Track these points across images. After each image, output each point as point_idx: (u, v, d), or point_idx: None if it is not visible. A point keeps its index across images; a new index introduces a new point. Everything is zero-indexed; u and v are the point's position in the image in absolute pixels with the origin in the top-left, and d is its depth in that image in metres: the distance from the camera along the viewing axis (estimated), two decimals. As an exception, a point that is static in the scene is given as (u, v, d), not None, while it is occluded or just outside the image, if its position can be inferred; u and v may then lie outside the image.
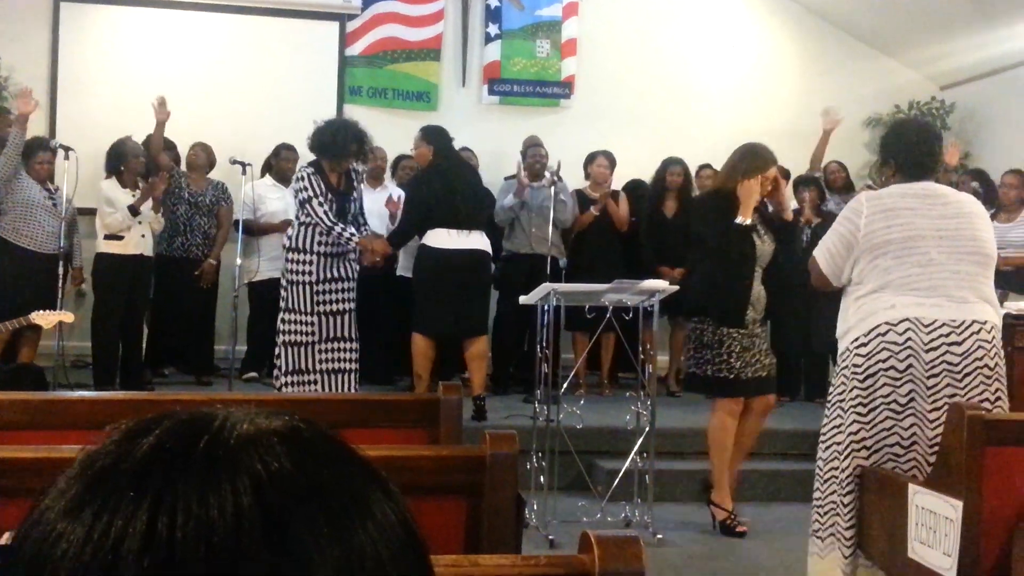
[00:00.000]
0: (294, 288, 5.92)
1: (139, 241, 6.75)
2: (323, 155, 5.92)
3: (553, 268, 6.83)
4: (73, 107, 8.06)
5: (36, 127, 6.70)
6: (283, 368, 5.94)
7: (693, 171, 7.93)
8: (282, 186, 7.61)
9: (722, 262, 4.97)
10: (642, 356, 5.28)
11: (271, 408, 0.63)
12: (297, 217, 6.02)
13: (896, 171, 3.83)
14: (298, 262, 5.92)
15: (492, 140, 8.19)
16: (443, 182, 6.28)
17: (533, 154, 7.46)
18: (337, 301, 5.97)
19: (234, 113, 8.15)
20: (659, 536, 4.95)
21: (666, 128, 8.65)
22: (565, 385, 5.47)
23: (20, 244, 6.47)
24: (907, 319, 3.58)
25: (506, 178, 7.60)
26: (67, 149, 6.50)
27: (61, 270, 6.50)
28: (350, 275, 6.05)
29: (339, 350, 6.00)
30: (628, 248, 7.52)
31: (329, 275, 5.94)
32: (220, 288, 7.48)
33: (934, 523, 3.27)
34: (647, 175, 7.93)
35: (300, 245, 5.91)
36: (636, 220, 7.61)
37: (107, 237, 6.71)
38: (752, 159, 5.02)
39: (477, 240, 6.34)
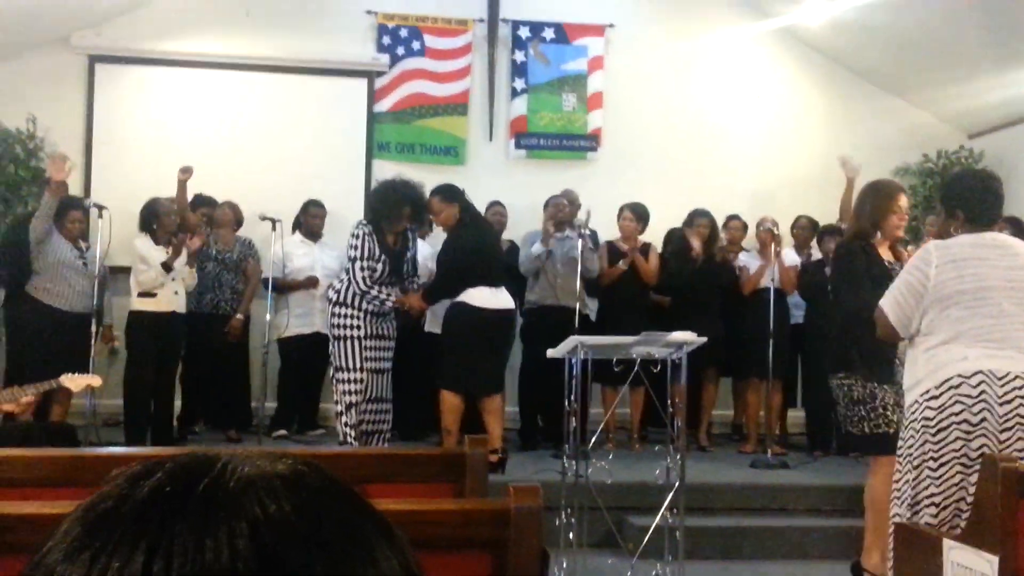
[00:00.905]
0: (342, 344, 5.95)
1: (172, 298, 6.82)
2: (377, 218, 5.99)
3: (582, 321, 6.81)
4: (108, 165, 8.20)
5: (71, 186, 6.79)
6: (346, 423, 5.97)
7: (720, 222, 7.93)
8: (310, 242, 7.68)
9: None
10: (671, 409, 5.23)
11: (280, 454, 0.62)
12: (347, 271, 6.06)
13: (965, 221, 3.79)
14: (345, 316, 5.96)
15: (519, 194, 8.23)
16: (476, 239, 6.30)
17: (555, 203, 7.48)
18: (381, 359, 6.02)
19: (264, 170, 8.26)
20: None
21: (693, 179, 8.67)
22: (593, 440, 5.43)
23: (52, 304, 6.53)
24: (980, 371, 3.52)
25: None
26: (100, 208, 6.59)
27: (93, 329, 6.56)
28: (391, 334, 6.11)
29: (378, 411, 6.03)
30: (657, 303, 7.51)
31: (375, 332, 5.98)
32: (251, 344, 7.53)
33: (968, 579, 3.20)
34: (676, 226, 7.93)
35: (347, 300, 5.96)
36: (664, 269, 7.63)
37: (141, 295, 6.78)
38: (883, 193, 4.70)
39: (507, 298, 6.37)
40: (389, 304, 5.96)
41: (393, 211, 5.89)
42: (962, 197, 3.84)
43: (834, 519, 5.87)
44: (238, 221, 7.62)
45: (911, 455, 3.64)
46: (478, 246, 6.24)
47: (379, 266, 5.84)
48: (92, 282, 6.62)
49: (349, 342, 5.92)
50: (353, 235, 5.96)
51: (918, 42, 8.31)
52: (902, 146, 9.04)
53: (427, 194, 6.21)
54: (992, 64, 8.03)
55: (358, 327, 5.92)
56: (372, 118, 8.73)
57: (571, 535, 5.00)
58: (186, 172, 6.87)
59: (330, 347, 6.07)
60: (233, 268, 7.43)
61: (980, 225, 3.75)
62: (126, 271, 6.99)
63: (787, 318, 7.50)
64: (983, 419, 3.50)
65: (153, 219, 6.87)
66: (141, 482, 0.56)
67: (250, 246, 7.57)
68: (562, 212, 7.38)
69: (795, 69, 9.21)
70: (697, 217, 7.60)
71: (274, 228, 7.02)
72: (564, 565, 4.89)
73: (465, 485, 3.09)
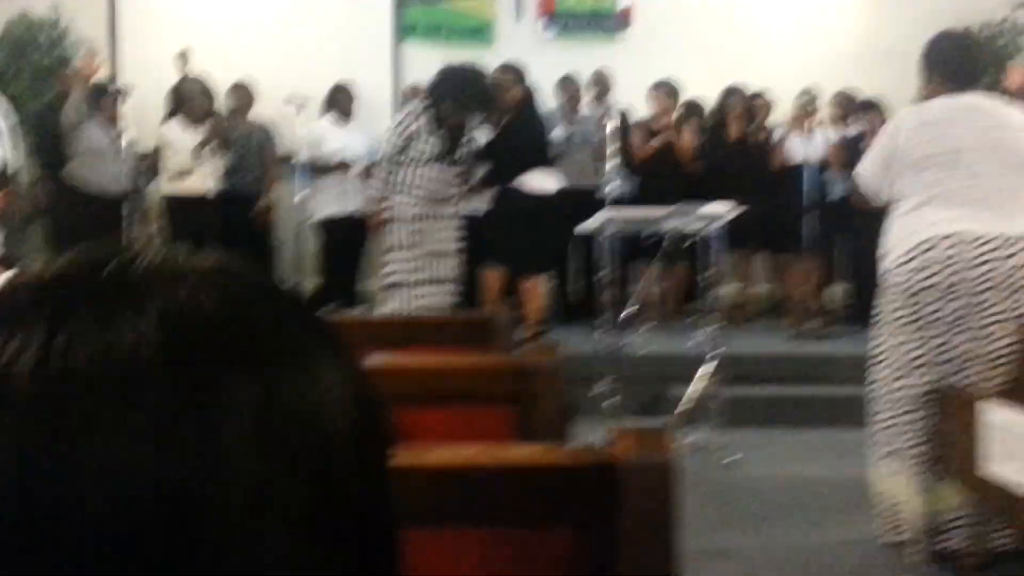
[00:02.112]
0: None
1: (203, 180, 6.85)
2: (441, 99, 5.41)
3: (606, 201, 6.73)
4: (133, 50, 8.13)
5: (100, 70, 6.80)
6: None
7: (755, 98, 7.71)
8: (341, 125, 7.60)
9: None
10: (707, 281, 5.18)
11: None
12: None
13: (942, 83, 3.65)
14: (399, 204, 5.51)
15: (549, 75, 8.03)
16: (539, 121, 6.24)
17: (567, 87, 7.41)
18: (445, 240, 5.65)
19: (289, 53, 8.14)
20: (733, 459, 4.88)
21: (727, 56, 8.37)
22: (629, 312, 5.41)
23: (86, 189, 6.59)
24: (952, 234, 3.44)
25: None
26: (126, 91, 6.59)
27: (126, 212, 6.63)
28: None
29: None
30: (692, 179, 7.38)
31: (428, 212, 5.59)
32: (278, 228, 7.55)
33: (1007, 438, 3.16)
34: (708, 105, 7.74)
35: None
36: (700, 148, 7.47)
37: (172, 178, 6.81)
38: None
39: (558, 181, 6.32)
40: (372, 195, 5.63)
41: (466, 98, 5.39)
42: (938, 59, 3.69)
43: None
44: (250, 103, 7.55)
45: (889, 321, 3.58)
46: (541, 129, 6.14)
47: (427, 147, 5.40)
48: (124, 166, 6.66)
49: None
50: (407, 112, 5.59)
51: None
52: (945, 16, 8.62)
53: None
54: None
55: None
56: (399, 1, 8.55)
57: (610, 404, 5.02)
58: (181, 58, 6.80)
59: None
60: (256, 152, 7.39)
61: (956, 87, 3.60)
62: (157, 154, 6.99)
63: (825, 192, 7.35)
64: (954, 282, 3.42)
65: (180, 102, 6.84)
66: (45, 270, 0.50)
67: (267, 130, 7.52)
68: (574, 93, 7.31)
69: (837, -66, 8.81)
70: (731, 94, 7.40)
71: (299, 112, 6.96)
72: (602, 434, 4.90)
73: (493, 349, 3.07)
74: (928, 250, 3.46)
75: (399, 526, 0.54)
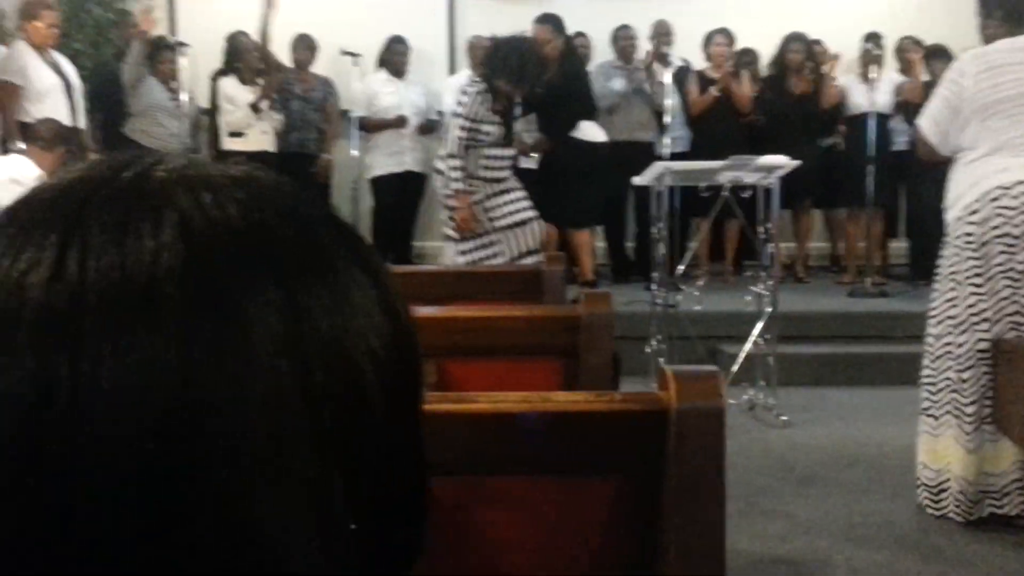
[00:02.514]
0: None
1: (261, 137, 6.89)
2: (497, 76, 5.07)
3: (671, 154, 6.66)
4: (192, 4, 8.15)
5: (158, 26, 6.83)
6: None
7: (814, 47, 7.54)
8: (396, 79, 7.58)
9: None
10: (763, 236, 5.10)
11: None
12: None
13: (1001, 22, 3.52)
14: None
15: (603, 22, 7.90)
16: (584, 71, 6.20)
17: (622, 35, 7.30)
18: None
19: (343, 5, 8.08)
20: (784, 418, 4.83)
21: (788, 4, 8.16)
22: (682, 268, 5.35)
23: (147, 145, 6.66)
24: (1022, 181, 3.33)
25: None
26: (184, 45, 6.62)
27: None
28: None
29: None
30: (752, 129, 7.25)
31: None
32: (336, 183, 7.57)
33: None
34: (769, 56, 7.57)
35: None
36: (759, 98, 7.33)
37: (231, 135, 6.86)
38: None
39: (602, 132, 6.29)
40: (459, 185, 5.07)
41: (518, 73, 5.05)
42: None
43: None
44: (313, 55, 7.52)
45: (955, 273, 3.48)
46: (585, 79, 6.08)
47: (492, 128, 5.09)
48: (185, 122, 6.72)
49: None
50: (464, 92, 5.19)
51: None
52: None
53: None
54: None
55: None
56: (454, -49, 8.46)
57: (662, 361, 5.00)
58: (272, 5, 6.76)
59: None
60: (319, 107, 7.40)
61: (1017, 26, 3.45)
62: (215, 111, 7.03)
63: (889, 144, 7.17)
64: None
65: (236, 58, 6.87)
66: (63, 178, 0.48)
67: (330, 85, 7.51)
68: (630, 45, 7.22)
69: None
70: (792, 42, 7.23)
71: (355, 63, 6.94)
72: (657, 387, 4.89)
73: (543, 302, 3.07)
74: (995, 199, 3.36)
75: (427, 472, 0.52)
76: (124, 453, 0.40)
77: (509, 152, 5.22)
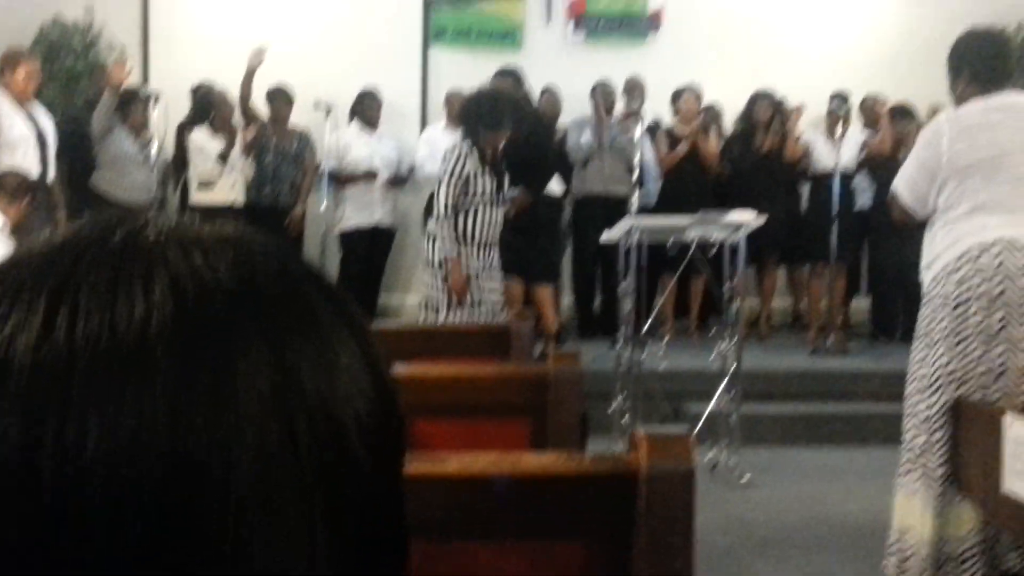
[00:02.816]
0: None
1: (230, 189, 6.87)
2: (477, 130, 5.06)
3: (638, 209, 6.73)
4: (165, 56, 8.16)
5: (130, 76, 6.83)
6: None
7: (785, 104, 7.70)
8: (368, 132, 7.60)
9: None
10: (728, 293, 5.15)
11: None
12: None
13: (970, 81, 3.60)
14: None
15: (579, 79, 8.03)
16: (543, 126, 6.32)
17: (604, 92, 7.39)
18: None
19: (317, 56, 8.14)
20: (745, 478, 4.85)
21: (756, 59, 8.33)
22: (647, 325, 5.39)
23: (114, 196, 6.62)
24: (999, 240, 3.39)
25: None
26: (156, 97, 6.62)
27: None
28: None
29: None
30: (719, 186, 7.36)
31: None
32: (307, 237, 7.56)
33: (1029, 455, 3.12)
34: (736, 112, 7.71)
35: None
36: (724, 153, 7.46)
37: (199, 186, 6.84)
38: None
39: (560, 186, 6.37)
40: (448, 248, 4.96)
41: (494, 119, 5.07)
42: (969, 57, 3.62)
43: (894, 404, 5.77)
44: (289, 109, 7.56)
45: (930, 332, 3.52)
46: (546, 133, 6.16)
47: (484, 183, 5.03)
48: (153, 174, 6.70)
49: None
50: (449, 152, 5.09)
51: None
52: (986, 16, 8.56)
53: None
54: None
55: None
56: (428, 4, 8.57)
57: (626, 419, 5.01)
58: (258, 56, 6.78)
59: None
60: (293, 160, 7.42)
61: (988, 85, 3.54)
62: (186, 162, 7.02)
63: (852, 201, 7.30)
64: (1003, 290, 3.36)
65: (209, 109, 6.88)
66: (50, 240, 0.48)
67: (307, 138, 7.54)
68: (609, 98, 7.32)
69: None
70: (759, 99, 7.36)
71: (328, 115, 6.97)
72: (620, 450, 4.89)
73: (511, 359, 3.07)
74: (975, 258, 3.42)
75: (408, 527, 0.52)
76: (112, 510, 0.41)
77: (500, 214, 5.13)
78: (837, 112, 7.10)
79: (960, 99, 3.65)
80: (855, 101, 7.66)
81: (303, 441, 0.45)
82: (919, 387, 3.54)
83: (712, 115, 7.62)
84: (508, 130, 5.12)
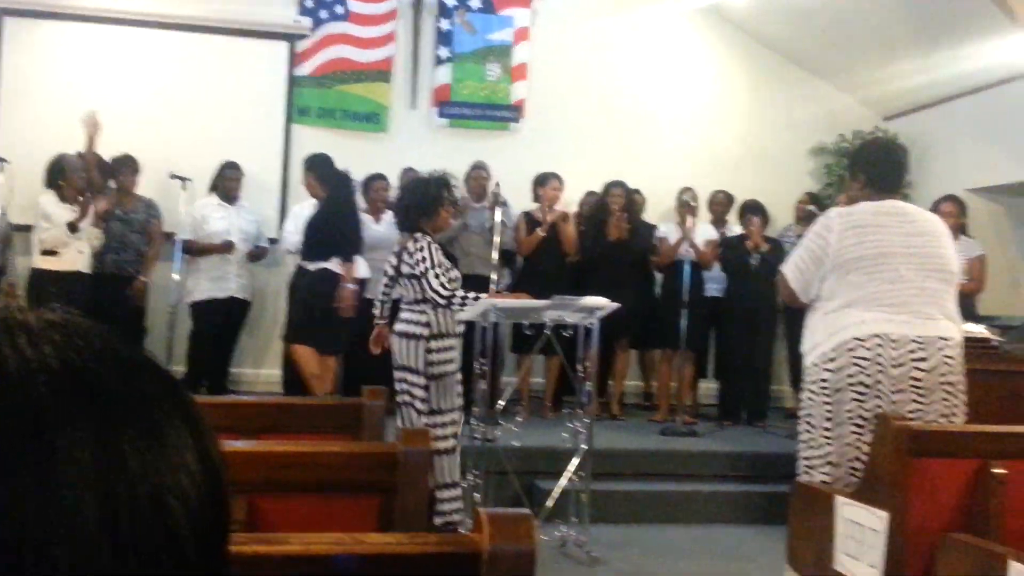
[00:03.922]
0: (445, 380, 5.08)
1: (76, 257, 6.66)
2: (418, 219, 5.13)
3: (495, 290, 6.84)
4: (15, 121, 7.91)
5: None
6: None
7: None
8: (227, 204, 7.51)
9: None
10: (581, 375, 5.25)
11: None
12: (415, 300, 5.04)
13: (865, 185, 3.87)
14: (447, 349, 5.05)
15: (441, 163, 8.10)
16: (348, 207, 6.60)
17: (476, 175, 7.55)
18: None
19: (179, 130, 8.06)
20: (594, 555, 4.90)
21: (614, 150, 8.70)
22: (502, 403, 5.44)
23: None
24: (876, 335, 3.60)
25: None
26: (2, 160, 6.40)
27: (-7, 285, 6.38)
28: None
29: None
30: (577, 273, 7.53)
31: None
32: (151, 307, 7.37)
33: (860, 535, 3.27)
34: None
35: (445, 329, 5.07)
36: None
37: (44, 252, 6.60)
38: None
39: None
40: (479, 298, 4.99)
41: (433, 205, 5.13)
42: (866, 162, 3.93)
43: (740, 484, 5.97)
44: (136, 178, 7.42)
45: (811, 416, 3.70)
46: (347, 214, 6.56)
47: (453, 272, 5.12)
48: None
49: (450, 377, 5.06)
50: (416, 248, 5.01)
51: (840, 24, 8.43)
52: (820, 126, 9.19)
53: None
54: (909, 49, 8.18)
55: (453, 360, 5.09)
56: (292, 82, 8.58)
57: (478, 496, 5.01)
58: (91, 122, 6.66)
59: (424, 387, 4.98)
60: (139, 229, 7.25)
61: (881, 191, 3.82)
62: (30, 228, 6.78)
63: (702, 290, 7.58)
64: (877, 381, 3.57)
65: (59, 175, 6.68)
66: None
67: (154, 207, 7.39)
68: (481, 184, 7.47)
69: (719, 47, 9.28)
70: (612, 188, 7.62)
71: (184, 188, 6.86)
72: (471, 527, 4.87)
73: (362, 436, 3.06)
74: (851, 349, 3.61)
75: None
76: None
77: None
78: (687, 204, 7.39)
79: (852, 200, 3.92)
80: (703, 195, 8.01)
81: (124, 521, 0.45)
82: (803, 469, 3.71)
83: (572, 204, 7.86)
84: (441, 210, 5.19)
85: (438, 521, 4.83)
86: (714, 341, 7.87)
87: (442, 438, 4.91)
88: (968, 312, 6.40)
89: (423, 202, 5.15)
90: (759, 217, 7.61)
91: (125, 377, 0.49)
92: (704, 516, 5.79)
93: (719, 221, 8.05)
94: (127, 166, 7.28)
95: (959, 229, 6.95)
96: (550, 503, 5.12)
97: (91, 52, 8.19)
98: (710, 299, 7.69)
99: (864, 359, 3.59)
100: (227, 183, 7.56)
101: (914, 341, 3.60)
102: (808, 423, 3.72)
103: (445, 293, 4.92)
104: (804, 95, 9.24)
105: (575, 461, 5.09)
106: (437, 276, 4.94)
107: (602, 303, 5.12)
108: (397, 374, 5.07)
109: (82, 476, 0.44)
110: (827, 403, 3.63)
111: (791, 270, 3.86)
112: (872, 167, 3.89)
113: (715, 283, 7.75)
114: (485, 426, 5.13)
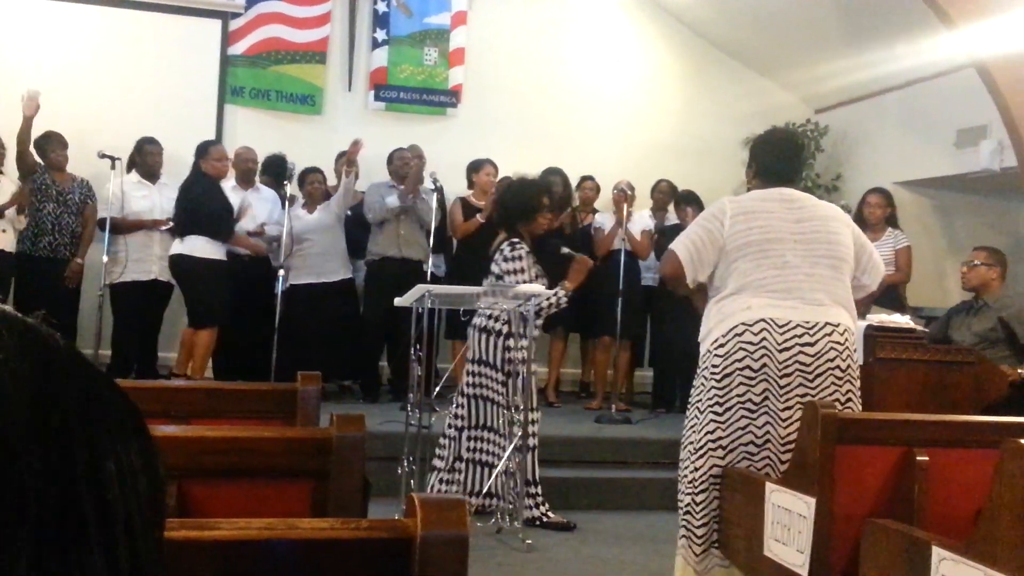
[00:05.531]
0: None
1: (1, 237, 6.49)
2: (516, 222, 5.36)
3: (428, 277, 6.82)
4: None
5: None
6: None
7: (575, 181, 8.04)
8: (148, 183, 7.30)
9: None
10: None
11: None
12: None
13: (756, 174, 3.91)
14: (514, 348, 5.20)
15: (376, 146, 8.10)
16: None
17: (399, 157, 7.52)
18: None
19: (109, 108, 7.89)
20: (528, 542, 4.91)
21: (551, 139, 8.71)
22: (437, 389, 5.42)
23: None
24: (762, 320, 3.62)
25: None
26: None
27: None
28: None
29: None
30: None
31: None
32: (84, 290, 7.20)
33: (789, 521, 3.31)
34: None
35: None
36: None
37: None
38: None
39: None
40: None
41: (532, 211, 5.32)
42: (759, 152, 3.95)
43: (674, 471, 6.00)
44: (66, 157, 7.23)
45: (699, 401, 3.73)
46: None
47: (543, 281, 5.29)
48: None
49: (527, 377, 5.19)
50: (512, 255, 5.25)
51: (774, 17, 8.54)
52: (753, 117, 9.27)
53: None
54: (841, 42, 8.32)
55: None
56: (225, 61, 8.44)
57: (413, 482, 5.00)
58: (32, 100, 6.48)
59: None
60: (75, 210, 7.07)
61: (769, 181, 3.86)
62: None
63: (638, 279, 7.63)
64: (764, 365, 3.60)
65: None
66: None
67: (89, 188, 7.21)
68: (410, 166, 7.40)
69: (656, 37, 9.34)
70: (549, 175, 7.63)
71: (113, 166, 6.71)
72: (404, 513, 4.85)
73: (296, 421, 3.02)
74: (739, 334, 3.63)
75: None
76: None
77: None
78: (625, 194, 7.42)
79: (748, 189, 3.95)
80: (643, 185, 8.06)
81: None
82: (689, 452, 3.73)
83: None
84: (545, 213, 5.44)
85: (535, 513, 5.19)
86: (650, 331, 7.93)
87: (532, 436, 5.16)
88: (895, 302, 6.55)
89: (523, 206, 5.32)
90: (693, 207, 7.66)
91: (77, 391, 0.50)
92: (638, 502, 5.85)
93: (660, 210, 8.11)
94: (56, 142, 7.09)
95: (887, 220, 7.10)
96: (485, 489, 5.11)
97: (20, 27, 7.97)
98: (646, 288, 7.75)
99: (750, 343, 3.61)
100: (147, 158, 7.28)
101: (800, 326, 3.61)
102: (697, 408, 3.75)
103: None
104: (738, 86, 9.35)
105: (510, 448, 5.09)
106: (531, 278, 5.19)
107: (538, 290, 5.13)
108: (471, 367, 5.20)
109: (34, 479, 0.46)
110: (716, 388, 3.66)
111: (682, 247, 3.76)
112: (764, 158, 3.92)
113: (651, 272, 7.81)
114: (420, 412, 5.12)
